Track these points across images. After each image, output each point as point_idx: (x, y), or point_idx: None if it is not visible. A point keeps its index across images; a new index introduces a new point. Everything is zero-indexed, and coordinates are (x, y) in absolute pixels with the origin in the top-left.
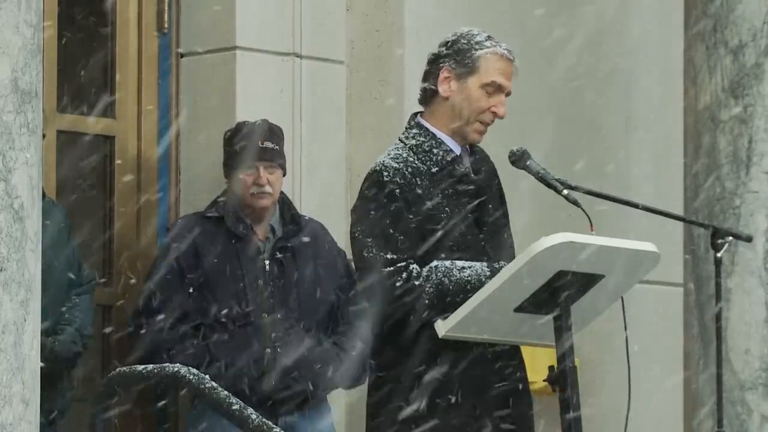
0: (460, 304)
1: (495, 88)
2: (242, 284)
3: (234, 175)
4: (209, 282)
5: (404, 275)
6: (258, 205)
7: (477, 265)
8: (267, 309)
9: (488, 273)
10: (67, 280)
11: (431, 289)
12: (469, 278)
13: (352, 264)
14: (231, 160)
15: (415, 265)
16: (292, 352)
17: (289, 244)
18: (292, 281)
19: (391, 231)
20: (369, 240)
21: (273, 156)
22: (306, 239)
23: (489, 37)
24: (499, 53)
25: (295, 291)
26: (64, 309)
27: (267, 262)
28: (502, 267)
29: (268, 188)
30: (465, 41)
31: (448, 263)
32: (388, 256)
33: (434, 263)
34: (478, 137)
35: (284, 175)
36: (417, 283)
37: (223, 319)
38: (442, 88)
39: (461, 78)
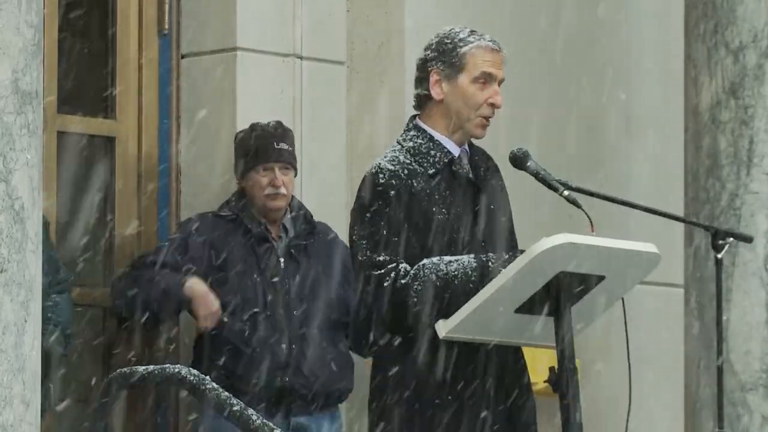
0: (448, 300)
1: (486, 79)
2: (258, 281)
3: (249, 176)
4: (225, 279)
5: (392, 275)
6: (273, 206)
7: (464, 258)
8: (283, 306)
9: (475, 265)
10: (46, 282)
11: (418, 287)
12: (456, 272)
13: None
14: (245, 161)
15: (404, 265)
16: (308, 351)
17: (303, 243)
18: (307, 279)
19: (385, 233)
20: (363, 242)
21: (288, 157)
22: (319, 238)
23: (472, 32)
24: (483, 45)
25: (310, 288)
26: (45, 309)
27: (282, 259)
28: (490, 259)
29: (283, 190)
30: (449, 41)
31: (435, 259)
32: (379, 258)
33: (423, 261)
34: (481, 132)
35: (295, 176)
36: (404, 281)
37: (240, 316)
38: (435, 92)
39: (451, 78)
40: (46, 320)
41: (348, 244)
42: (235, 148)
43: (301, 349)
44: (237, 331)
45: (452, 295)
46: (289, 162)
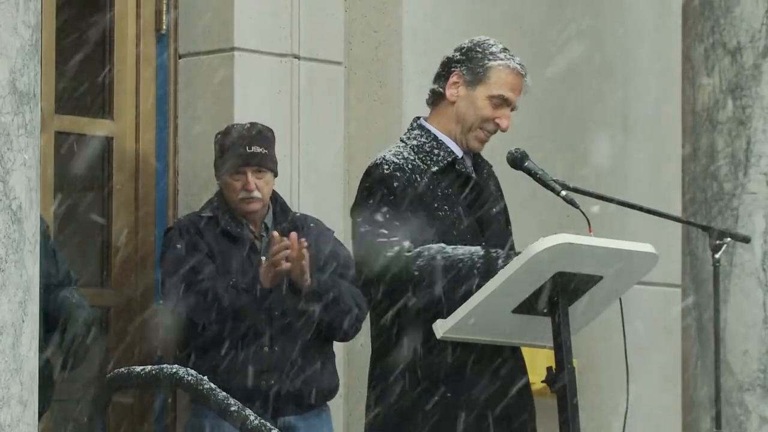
0: (450, 283)
1: (501, 101)
2: (240, 281)
3: (223, 179)
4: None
5: (396, 248)
6: (247, 209)
7: (472, 247)
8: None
9: (482, 253)
10: (49, 284)
11: (422, 263)
12: (462, 256)
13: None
14: (220, 164)
15: (408, 243)
16: (291, 350)
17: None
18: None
19: (388, 217)
20: (367, 226)
21: (261, 160)
22: (300, 231)
23: (504, 50)
24: (511, 67)
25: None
26: (60, 301)
27: (263, 258)
28: (500, 256)
29: (256, 193)
30: (479, 50)
31: (442, 244)
32: (383, 231)
33: (429, 244)
34: (478, 145)
35: (275, 176)
36: (407, 254)
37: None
38: (450, 92)
39: (469, 86)
40: (70, 306)
41: (344, 243)
42: (214, 149)
43: (284, 348)
44: (220, 331)
45: (455, 277)
46: (263, 165)
